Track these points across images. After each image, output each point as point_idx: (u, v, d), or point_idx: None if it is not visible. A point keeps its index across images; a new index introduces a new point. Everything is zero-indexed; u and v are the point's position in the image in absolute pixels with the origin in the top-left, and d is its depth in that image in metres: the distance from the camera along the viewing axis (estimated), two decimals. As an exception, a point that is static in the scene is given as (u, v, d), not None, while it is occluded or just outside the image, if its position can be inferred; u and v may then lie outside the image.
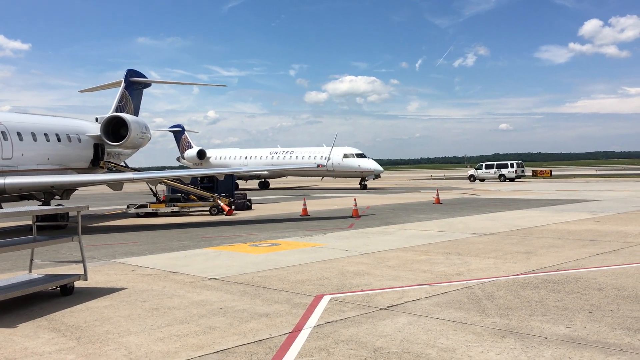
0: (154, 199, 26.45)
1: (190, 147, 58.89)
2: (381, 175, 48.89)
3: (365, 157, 45.89)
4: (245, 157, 54.64)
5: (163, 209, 25.16)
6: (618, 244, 12.83)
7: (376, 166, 45.80)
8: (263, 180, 53.47)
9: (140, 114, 29.26)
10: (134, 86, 28.55)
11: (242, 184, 52.98)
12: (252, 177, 52.35)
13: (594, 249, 12.28)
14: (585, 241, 13.46)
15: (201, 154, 56.00)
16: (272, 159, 51.65)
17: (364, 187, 45.92)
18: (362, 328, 6.65)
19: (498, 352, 5.69)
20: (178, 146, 60.71)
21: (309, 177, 58.31)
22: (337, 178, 51.65)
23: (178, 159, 61.33)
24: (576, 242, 13.38)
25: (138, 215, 24.69)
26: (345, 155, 45.68)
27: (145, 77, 29.61)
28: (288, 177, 59.13)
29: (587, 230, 15.44)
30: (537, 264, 10.61)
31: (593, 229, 15.69)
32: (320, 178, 53.36)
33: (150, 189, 26.61)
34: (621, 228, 15.80)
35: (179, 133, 60.86)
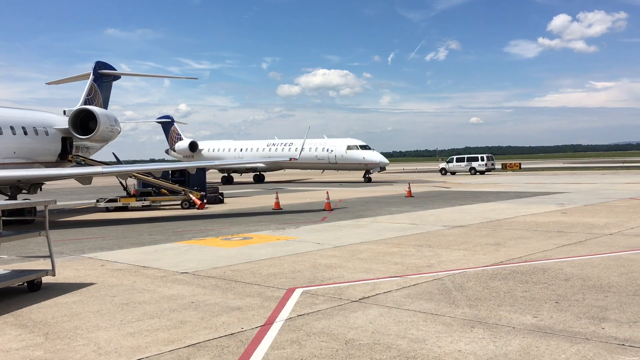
0: (124, 193, 26.10)
1: (181, 139, 56.50)
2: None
3: (369, 148, 44.22)
4: (241, 149, 52.39)
5: (133, 203, 24.84)
6: (584, 235, 13.11)
7: (382, 158, 44.02)
8: (258, 173, 51.43)
9: (109, 106, 28.82)
10: (103, 78, 28.07)
11: (236, 177, 51.99)
12: (247, 170, 50.46)
13: (561, 240, 12.53)
14: (552, 233, 13.72)
15: (193, 146, 53.94)
16: (269, 150, 49.36)
17: (368, 180, 44.11)
18: (334, 320, 6.69)
19: (467, 342, 5.78)
20: (167, 138, 58.11)
21: (309, 170, 55.85)
22: (339, 171, 49.86)
23: (167, 152, 58.74)
24: (544, 233, 13.64)
25: (108, 210, 24.34)
26: (349, 147, 44.12)
27: (114, 69, 29.14)
28: (286, 170, 56.85)
29: (555, 222, 15.74)
30: (506, 255, 10.79)
31: (560, 221, 16.01)
32: (321, 171, 51.14)
33: (120, 182, 26.25)
34: (587, 220, 16.15)
35: (168, 124, 58.23)
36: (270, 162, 46.80)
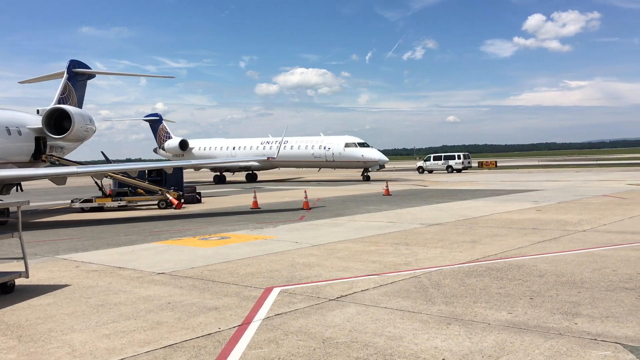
0: (100, 193, 25.79)
1: (170, 137, 55.19)
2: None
3: (368, 146, 43.44)
4: (233, 148, 50.97)
5: (109, 203, 24.57)
6: (558, 232, 13.31)
7: (380, 156, 43.18)
8: (251, 172, 50.22)
9: (84, 106, 28.42)
10: (78, 77, 27.68)
11: (229, 176, 51.20)
12: (240, 169, 49.33)
13: (536, 237, 12.70)
14: (527, 230, 13.90)
15: (183, 145, 52.63)
16: (263, 149, 47.84)
17: (367, 178, 43.30)
18: (312, 319, 6.69)
19: (443, 339, 5.84)
20: (155, 137, 56.71)
21: (304, 169, 55.01)
22: (337, 169, 48.94)
23: (155, 151, 57.27)
24: (519, 230, 13.81)
25: (83, 210, 24.04)
26: (347, 145, 43.26)
27: (89, 67, 28.75)
28: (281, 168, 55.86)
29: (530, 219, 15.96)
30: (482, 252, 10.90)
31: (535, 218, 16.22)
32: (318, 169, 50.17)
33: (96, 182, 25.94)
34: (561, 217, 16.39)
35: (156, 122, 56.77)
36: (262, 161, 45.37)
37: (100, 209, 24.32)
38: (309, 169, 52.00)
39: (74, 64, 27.45)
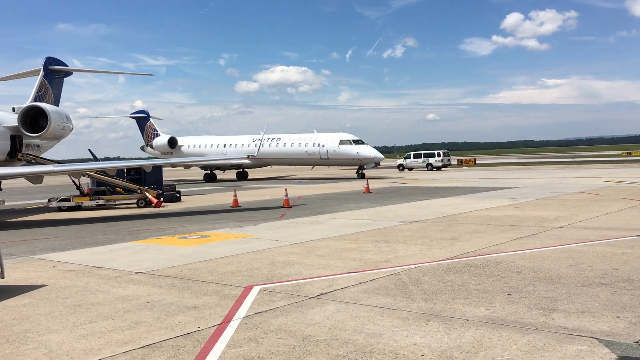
0: (78, 192, 25.46)
1: (157, 135, 53.67)
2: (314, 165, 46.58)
3: (363, 143, 42.95)
4: (224, 145, 49.58)
5: (87, 202, 24.28)
6: (536, 229, 13.46)
7: (376, 153, 42.70)
8: (242, 170, 49.29)
9: (61, 103, 28.03)
10: (54, 75, 27.27)
11: (219, 174, 50.54)
12: (231, 167, 48.23)
13: (514, 233, 12.84)
14: (505, 226, 14.05)
15: (172, 142, 51.35)
16: (255, 146, 45.76)
17: (362, 176, 42.13)
18: (291, 317, 6.68)
19: (422, 335, 5.87)
20: (142, 135, 55.21)
21: (297, 167, 53.90)
22: (330, 167, 48.26)
23: (142, 148, 55.72)
24: (497, 227, 13.95)
25: (60, 210, 23.72)
26: (342, 142, 42.64)
27: (65, 65, 28.35)
28: (273, 166, 54.72)
29: (508, 216, 16.12)
30: (461, 249, 10.99)
31: (513, 215, 16.40)
32: (311, 167, 49.03)
33: (73, 181, 25.61)
34: (539, 213, 16.59)
35: (143, 120, 55.24)
36: (253, 159, 44.02)
37: (77, 208, 24.03)
38: (303, 166, 51.38)
39: (50, 61, 27.05)
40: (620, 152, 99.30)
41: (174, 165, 49.43)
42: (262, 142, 45.55)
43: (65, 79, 28.67)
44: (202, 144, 51.77)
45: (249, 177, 50.55)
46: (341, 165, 45.90)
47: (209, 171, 48.85)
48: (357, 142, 42.90)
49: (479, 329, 6.04)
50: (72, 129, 26.20)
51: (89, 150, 33.36)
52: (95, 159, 32.94)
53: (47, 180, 32.28)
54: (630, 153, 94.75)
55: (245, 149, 47.57)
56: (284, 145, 45.58)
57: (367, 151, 42.42)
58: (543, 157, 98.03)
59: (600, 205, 18.35)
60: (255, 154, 36.18)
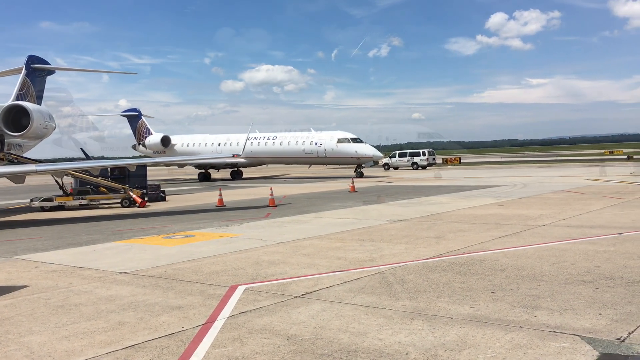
0: (61, 192, 25.20)
1: (150, 133, 52.48)
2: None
3: (361, 141, 41.93)
4: (219, 144, 47.88)
5: (70, 202, 24.05)
6: (519, 227, 13.57)
7: (374, 152, 41.86)
8: (236, 169, 47.61)
9: (44, 102, 27.72)
10: (37, 73, 26.94)
11: (214, 173, 49.21)
12: (227, 166, 46.82)
13: (498, 232, 12.93)
14: (489, 225, 14.14)
15: (165, 141, 49.86)
16: (250, 145, 44.38)
17: (360, 175, 41.79)
18: (276, 317, 6.67)
19: (407, 334, 5.89)
20: (134, 133, 53.85)
21: (294, 165, 52.24)
22: (328, 165, 47.50)
23: (134, 147, 53.99)
24: (482, 226, 14.04)
25: (43, 209, 23.47)
26: (340, 140, 41.76)
27: (48, 63, 28.03)
28: (269, 165, 53.73)
29: (492, 215, 16.23)
30: (446, 248, 11.04)
31: (497, 213, 16.52)
32: (308, 166, 48.13)
33: (56, 181, 25.33)
34: (523, 212, 16.72)
35: (134, 118, 53.89)
36: (249, 157, 43.57)
37: (61, 208, 23.78)
38: (298, 165, 50.18)
39: (32, 59, 26.73)
40: (603, 151, 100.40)
41: (166, 165, 48.46)
42: (254, 141, 44.84)
43: (48, 78, 28.33)
44: (195, 143, 49.95)
45: (244, 176, 49.54)
46: (339, 164, 45.19)
47: (202, 170, 47.26)
48: (355, 140, 41.86)
49: (463, 327, 6.07)
50: (55, 128, 25.92)
51: (81, 149, 32.87)
52: (87, 157, 32.53)
53: (29, 179, 31.88)
54: (612, 152, 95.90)
55: (240, 148, 45.18)
56: (280, 144, 44.29)
57: (366, 150, 41.50)
58: (527, 156, 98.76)
59: (582, 203, 18.54)
60: (241, 153, 35.84)
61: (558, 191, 23.81)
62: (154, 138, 51.20)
